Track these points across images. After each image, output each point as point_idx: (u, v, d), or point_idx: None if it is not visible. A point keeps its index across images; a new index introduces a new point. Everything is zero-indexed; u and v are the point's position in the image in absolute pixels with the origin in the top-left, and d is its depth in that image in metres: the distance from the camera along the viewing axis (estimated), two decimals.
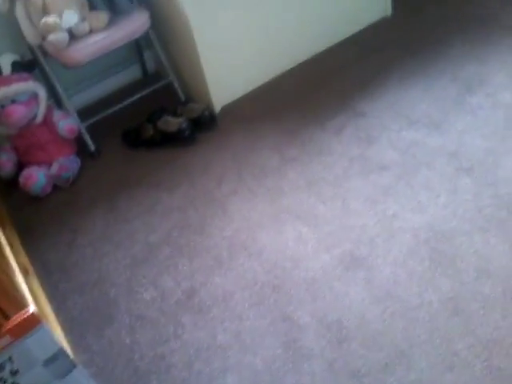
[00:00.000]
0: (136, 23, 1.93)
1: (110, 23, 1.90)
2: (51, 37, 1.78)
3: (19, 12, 1.82)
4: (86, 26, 1.85)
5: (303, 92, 2.08)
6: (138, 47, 2.34)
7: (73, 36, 1.85)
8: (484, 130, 1.76)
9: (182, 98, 2.18)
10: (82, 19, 1.85)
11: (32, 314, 0.94)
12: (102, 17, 1.88)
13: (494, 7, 2.23)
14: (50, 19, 1.77)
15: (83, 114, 2.09)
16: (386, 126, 1.85)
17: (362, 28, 2.31)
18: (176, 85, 2.17)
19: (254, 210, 1.66)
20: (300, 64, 2.22)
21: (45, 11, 1.82)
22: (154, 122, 2.00)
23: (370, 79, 2.05)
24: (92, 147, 2.05)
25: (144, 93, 2.15)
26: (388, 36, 2.26)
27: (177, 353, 1.35)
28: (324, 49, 2.25)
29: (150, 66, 2.42)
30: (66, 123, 1.97)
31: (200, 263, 1.55)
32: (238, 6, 1.95)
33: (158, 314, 1.45)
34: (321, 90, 2.05)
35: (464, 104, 1.84)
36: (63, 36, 1.80)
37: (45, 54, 1.92)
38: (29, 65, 1.97)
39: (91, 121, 2.07)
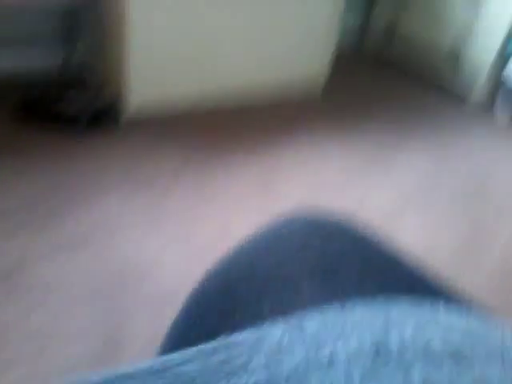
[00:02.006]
0: None
1: None
2: None
3: None
4: None
5: (219, 130, 1.87)
6: (69, 32, 1.98)
7: None
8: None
9: (94, 87, 1.89)
10: None
11: None
12: None
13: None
14: None
15: None
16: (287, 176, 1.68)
17: (295, 90, 2.24)
18: (93, 75, 1.91)
19: (128, 208, 1.44)
20: (228, 106, 2.03)
21: None
22: (53, 100, 1.72)
23: (285, 134, 1.90)
24: None
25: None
26: (317, 102, 2.22)
27: None
28: (255, 93, 2.12)
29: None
30: None
31: (43, 241, 1.32)
32: (187, 27, 1.79)
33: None
34: (236, 133, 1.86)
35: (366, 176, 1.72)
36: None
37: None
38: None
39: None
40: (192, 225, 1.42)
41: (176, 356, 0.22)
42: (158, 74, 1.83)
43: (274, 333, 0.24)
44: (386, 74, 2.77)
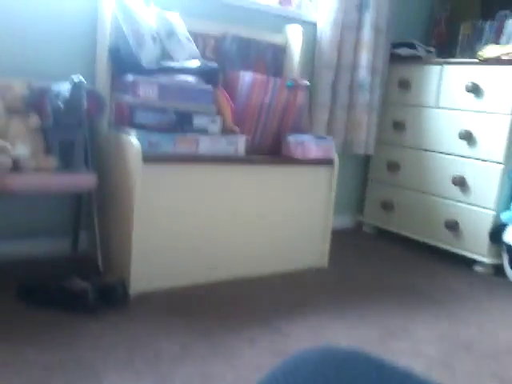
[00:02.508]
0: (82, 177, 1.84)
1: (58, 171, 1.80)
2: None
3: None
4: (32, 163, 1.74)
5: (225, 304, 1.91)
6: (76, 220, 2.18)
7: (17, 169, 1.72)
8: None
9: (101, 268, 1.96)
10: (33, 157, 1.76)
11: None
12: (52, 161, 1.79)
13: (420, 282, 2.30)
14: (1, 142, 1.69)
15: None
16: (300, 344, 1.68)
17: (296, 270, 2.33)
18: (99, 256, 1.97)
19: None
20: (229, 280, 2.12)
21: (1, 137, 1.74)
22: (59, 281, 1.75)
23: (292, 306, 1.94)
24: None
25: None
26: (318, 281, 2.25)
27: None
28: (254, 274, 2.20)
29: (82, 246, 2.23)
30: None
31: None
32: (189, 209, 1.94)
33: None
34: (243, 308, 1.89)
35: (386, 348, 1.69)
36: (7, 160, 1.68)
37: None
38: None
39: None
40: None
41: None
42: (163, 255, 1.89)
43: None
44: (387, 243, 2.89)
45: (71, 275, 1.75)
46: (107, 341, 1.56)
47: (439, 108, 2.73)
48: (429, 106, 2.78)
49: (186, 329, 1.68)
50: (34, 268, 2.01)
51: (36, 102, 1.77)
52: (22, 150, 1.73)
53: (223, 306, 1.88)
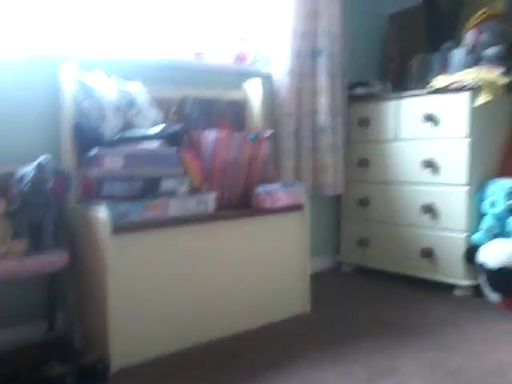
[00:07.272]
0: (52, 258, 1.84)
1: (28, 254, 1.80)
2: None
3: None
4: (1, 249, 1.75)
5: (211, 365, 1.89)
6: (51, 301, 2.14)
7: None
8: None
9: (80, 347, 1.97)
10: (1, 243, 1.77)
11: None
12: (21, 245, 1.80)
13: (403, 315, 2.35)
14: None
15: None
16: None
17: (280, 319, 2.33)
18: (78, 336, 1.98)
19: None
20: (214, 340, 2.10)
21: None
22: (35, 367, 1.72)
23: (281, 359, 1.93)
24: None
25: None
26: (303, 328, 2.25)
27: None
28: (238, 331, 2.19)
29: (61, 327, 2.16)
30: None
31: None
32: (164, 274, 1.95)
33: None
34: (230, 367, 1.87)
35: None
36: None
37: None
38: None
39: None
40: None
41: None
42: (143, 324, 1.88)
43: None
44: (367, 280, 2.92)
45: (49, 359, 1.73)
46: None
47: (399, 140, 2.83)
48: (389, 140, 2.88)
49: None
50: (12, 357, 1.96)
51: (0, 187, 1.81)
52: None
53: (209, 368, 1.86)
